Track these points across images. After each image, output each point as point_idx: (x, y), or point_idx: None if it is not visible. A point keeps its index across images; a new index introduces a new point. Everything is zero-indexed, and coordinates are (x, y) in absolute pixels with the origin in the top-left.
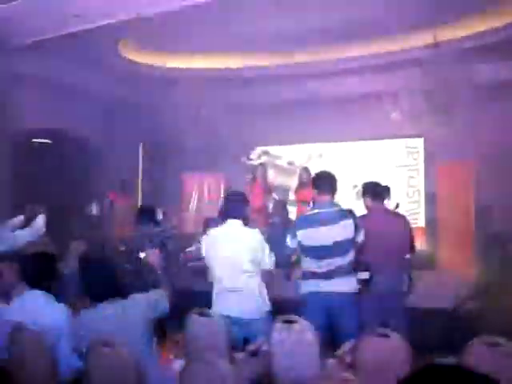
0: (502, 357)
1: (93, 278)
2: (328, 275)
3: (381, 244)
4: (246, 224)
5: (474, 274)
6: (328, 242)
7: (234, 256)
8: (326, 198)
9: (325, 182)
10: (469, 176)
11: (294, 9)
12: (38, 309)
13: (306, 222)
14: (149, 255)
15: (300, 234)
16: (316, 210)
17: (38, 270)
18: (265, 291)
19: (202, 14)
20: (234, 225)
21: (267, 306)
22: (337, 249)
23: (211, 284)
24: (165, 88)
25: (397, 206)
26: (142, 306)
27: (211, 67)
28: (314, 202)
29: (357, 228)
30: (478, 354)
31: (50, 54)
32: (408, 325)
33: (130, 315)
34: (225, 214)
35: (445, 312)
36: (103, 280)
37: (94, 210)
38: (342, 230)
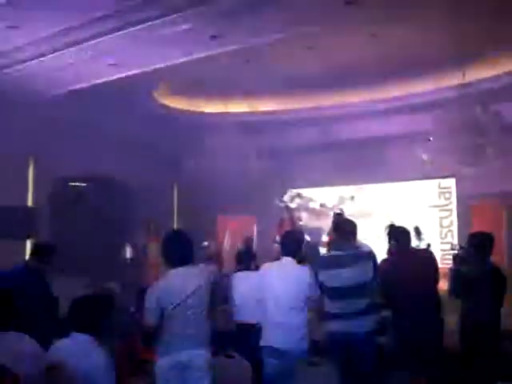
0: None
1: None
2: (346, 316)
3: (406, 287)
4: (299, 262)
5: (505, 314)
6: (346, 283)
7: (287, 292)
8: (346, 241)
9: (345, 227)
10: (500, 215)
11: (322, 53)
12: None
13: (326, 263)
14: None
15: (321, 275)
16: (336, 253)
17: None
18: (307, 328)
19: (233, 60)
20: (287, 262)
21: (307, 342)
22: (355, 290)
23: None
24: (200, 132)
25: (428, 247)
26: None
27: (243, 112)
28: (334, 245)
29: (376, 269)
30: None
31: (87, 100)
32: (437, 365)
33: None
34: (281, 252)
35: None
36: None
37: (128, 252)
38: (360, 272)
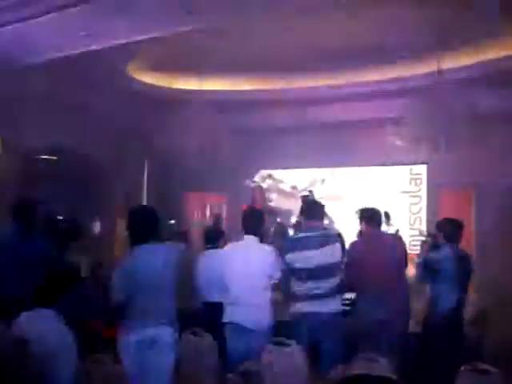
0: None
1: None
2: (313, 297)
3: (374, 270)
4: (261, 241)
5: (473, 300)
6: (313, 264)
7: (250, 271)
8: (314, 223)
9: (313, 209)
10: (470, 203)
11: (300, 34)
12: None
13: (295, 244)
14: None
15: (288, 256)
16: (303, 234)
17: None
18: (270, 307)
19: (209, 38)
20: (250, 241)
21: (272, 320)
22: (322, 272)
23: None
24: (171, 109)
25: (397, 232)
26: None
27: (217, 90)
28: (302, 227)
29: (344, 251)
30: (467, 381)
31: (59, 73)
32: (402, 349)
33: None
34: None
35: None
36: None
37: (96, 227)
38: (328, 254)
